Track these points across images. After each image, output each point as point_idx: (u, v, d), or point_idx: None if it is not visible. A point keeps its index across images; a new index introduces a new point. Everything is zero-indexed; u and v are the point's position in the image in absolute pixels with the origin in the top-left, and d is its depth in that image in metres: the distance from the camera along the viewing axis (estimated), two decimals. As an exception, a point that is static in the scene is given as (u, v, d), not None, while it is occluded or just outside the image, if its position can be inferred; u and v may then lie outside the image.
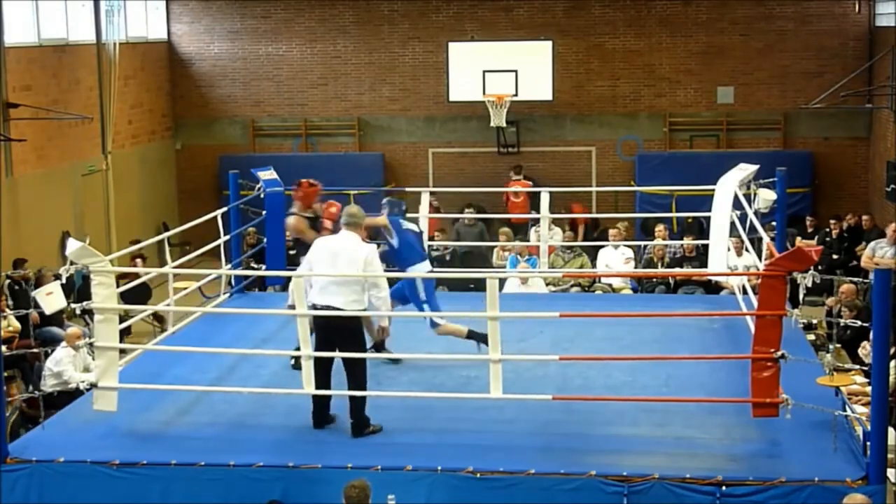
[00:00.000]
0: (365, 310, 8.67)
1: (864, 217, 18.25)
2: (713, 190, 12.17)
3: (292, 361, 9.54)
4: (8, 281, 14.02)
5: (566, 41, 20.66)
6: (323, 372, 8.54)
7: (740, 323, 10.52)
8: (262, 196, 12.58)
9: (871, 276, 7.64)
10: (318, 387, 8.45)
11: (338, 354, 8.58)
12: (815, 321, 12.43)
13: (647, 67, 20.89)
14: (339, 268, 8.61)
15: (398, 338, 10.08)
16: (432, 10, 21.10)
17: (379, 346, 9.90)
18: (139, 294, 12.78)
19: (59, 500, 8.08)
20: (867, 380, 8.95)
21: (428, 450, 8.19)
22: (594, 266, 15.17)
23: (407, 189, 18.31)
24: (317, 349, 8.52)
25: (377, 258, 8.82)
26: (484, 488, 7.80)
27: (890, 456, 7.86)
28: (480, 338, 9.45)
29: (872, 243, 15.65)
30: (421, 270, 10.00)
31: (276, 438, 8.53)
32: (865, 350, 10.12)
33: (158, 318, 13.97)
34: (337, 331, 8.55)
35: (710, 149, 20.69)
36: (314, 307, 8.56)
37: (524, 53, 19.80)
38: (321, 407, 8.66)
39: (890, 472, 7.89)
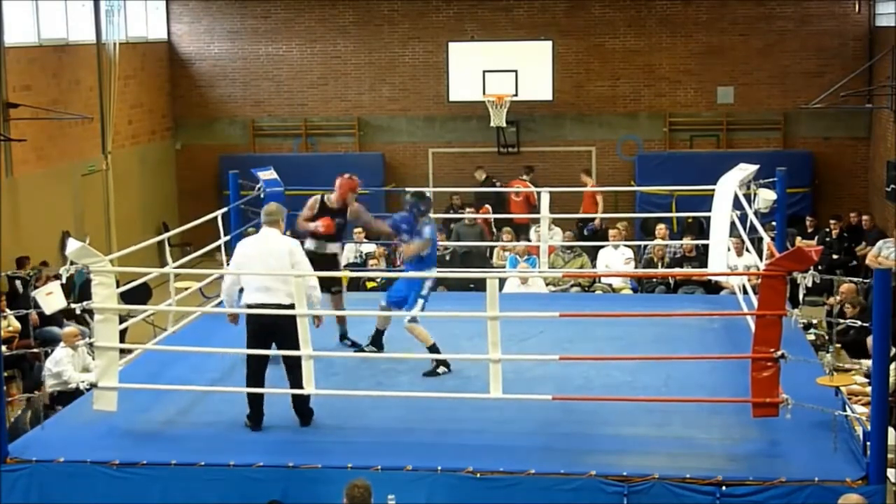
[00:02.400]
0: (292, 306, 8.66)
1: (864, 217, 18.26)
2: (713, 190, 12.17)
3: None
4: (17, 281, 14.00)
5: (566, 41, 20.67)
6: (260, 371, 8.66)
7: (740, 323, 10.52)
8: (262, 196, 12.58)
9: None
10: (253, 385, 8.60)
11: (340, 354, 8.59)
12: (815, 321, 12.42)
13: (647, 67, 20.90)
14: (269, 264, 8.74)
15: (399, 339, 10.09)
16: (432, 10, 21.11)
17: (343, 337, 10.32)
18: (139, 294, 12.76)
19: (59, 500, 8.08)
20: (867, 380, 8.95)
21: (428, 450, 8.18)
22: (594, 266, 15.17)
23: (407, 189, 18.32)
24: (250, 347, 8.67)
25: (300, 249, 9.00)
26: (484, 488, 7.80)
27: (890, 456, 7.86)
28: (440, 361, 9.69)
29: (880, 242, 15.68)
30: (433, 272, 10.12)
31: (276, 438, 8.53)
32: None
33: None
34: (275, 327, 8.61)
35: (710, 149, 20.70)
36: (249, 307, 8.71)
37: (524, 53, 19.81)
38: (259, 405, 8.69)
39: (890, 472, 7.89)
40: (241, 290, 9.09)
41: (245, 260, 8.96)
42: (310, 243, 10.30)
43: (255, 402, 8.67)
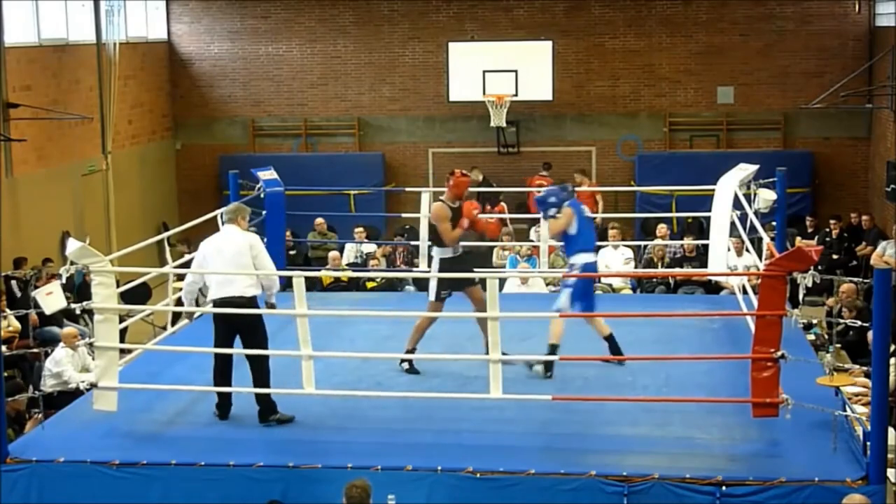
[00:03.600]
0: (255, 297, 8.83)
1: (864, 217, 18.27)
2: (713, 190, 12.16)
3: (405, 365, 9.75)
4: (14, 281, 14.00)
5: (566, 41, 20.67)
6: (225, 365, 8.81)
7: (740, 323, 10.51)
8: (262, 196, 12.59)
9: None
10: (221, 381, 8.74)
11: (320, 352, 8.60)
12: (815, 321, 12.42)
13: (647, 67, 20.90)
14: (229, 259, 8.87)
15: (399, 338, 10.08)
16: (432, 10, 21.11)
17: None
18: (138, 294, 12.77)
19: (59, 500, 8.08)
20: (867, 379, 8.95)
21: (428, 450, 8.19)
22: (594, 266, 15.14)
23: (407, 189, 18.35)
24: (217, 344, 8.81)
25: (259, 242, 9.04)
26: (484, 488, 7.80)
27: (890, 456, 7.86)
28: (548, 365, 9.53)
29: (884, 243, 15.68)
30: (591, 259, 9.96)
31: (276, 438, 8.53)
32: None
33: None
34: (239, 320, 8.72)
35: (710, 149, 20.70)
36: (215, 303, 8.86)
37: (524, 53, 19.81)
38: (227, 399, 8.85)
39: (890, 472, 7.89)
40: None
41: (203, 258, 9.10)
42: (443, 251, 9.87)
43: (224, 396, 8.84)
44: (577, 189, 18.66)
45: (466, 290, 9.86)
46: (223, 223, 9.27)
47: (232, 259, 8.87)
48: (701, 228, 16.30)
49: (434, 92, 20.95)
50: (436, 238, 9.93)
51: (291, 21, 21.40)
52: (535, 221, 15.87)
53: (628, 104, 21.07)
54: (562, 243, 10.32)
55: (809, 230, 18.50)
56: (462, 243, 10.24)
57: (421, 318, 9.88)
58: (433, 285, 9.81)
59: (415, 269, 14.33)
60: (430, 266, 10.28)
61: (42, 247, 15.96)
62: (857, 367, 10.10)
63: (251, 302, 8.80)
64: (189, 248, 13.73)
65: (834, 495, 7.25)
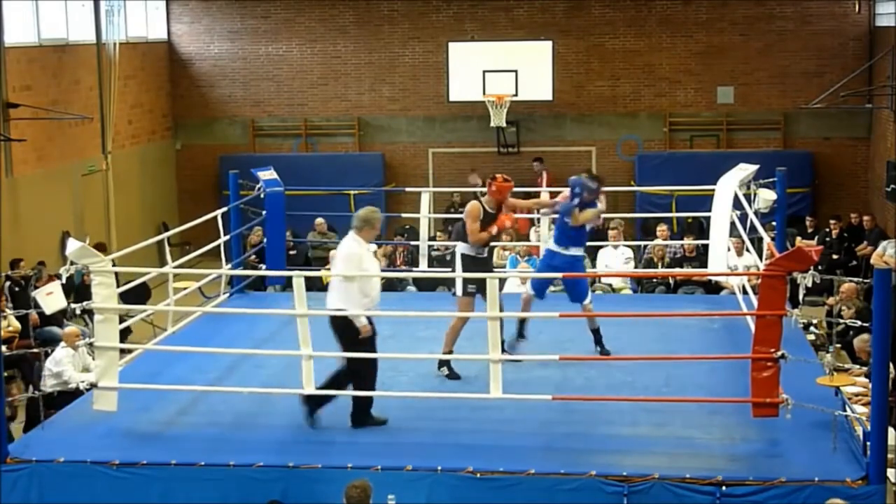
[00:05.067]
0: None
1: (865, 217, 18.27)
2: (713, 190, 12.16)
3: (444, 370, 9.72)
4: (8, 283, 14.00)
5: (566, 41, 20.66)
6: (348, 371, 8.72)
7: (740, 323, 10.51)
8: (262, 196, 12.59)
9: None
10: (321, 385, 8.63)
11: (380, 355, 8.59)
12: (815, 321, 12.43)
13: (647, 67, 20.89)
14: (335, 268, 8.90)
15: (399, 337, 10.08)
16: (432, 10, 21.10)
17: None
18: (138, 294, 12.77)
19: (59, 500, 8.08)
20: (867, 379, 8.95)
21: (428, 450, 8.19)
22: (594, 266, 15.15)
23: (407, 189, 18.35)
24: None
25: (343, 253, 8.91)
26: (484, 488, 7.81)
27: (890, 456, 7.86)
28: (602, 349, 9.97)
29: (884, 242, 15.67)
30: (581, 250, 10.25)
31: (276, 438, 8.54)
32: (864, 340, 10.00)
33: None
34: (333, 330, 8.73)
35: (710, 149, 20.69)
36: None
37: (524, 53, 19.80)
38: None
39: (890, 472, 7.89)
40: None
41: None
42: (468, 248, 9.86)
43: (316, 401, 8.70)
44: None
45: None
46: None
47: (334, 268, 8.94)
48: (701, 228, 16.29)
49: (434, 92, 20.94)
50: (463, 234, 9.91)
51: (291, 21, 21.39)
52: (535, 222, 15.87)
53: (628, 104, 21.06)
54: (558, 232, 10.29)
55: (809, 230, 18.50)
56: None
57: (455, 319, 9.76)
58: (459, 281, 9.75)
59: (415, 269, 14.33)
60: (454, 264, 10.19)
61: (42, 247, 15.96)
62: (857, 367, 10.10)
63: (335, 315, 8.70)
64: (190, 248, 13.73)
65: (834, 495, 7.25)
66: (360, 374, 8.69)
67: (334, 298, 8.73)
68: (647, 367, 9.64)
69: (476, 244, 9.80)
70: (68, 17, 17.92)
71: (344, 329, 8.67)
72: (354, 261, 8.78)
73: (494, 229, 9.82)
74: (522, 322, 10.08)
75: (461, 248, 9.88)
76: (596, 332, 10.13)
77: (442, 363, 9.70)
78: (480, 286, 9.44)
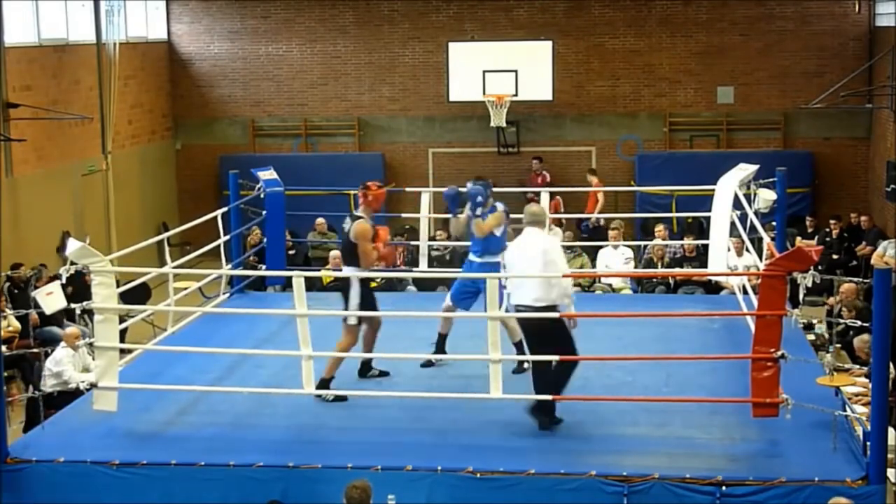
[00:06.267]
0: (554, 307, 8.54)
1: (864, 217, 18.27)
2: (713, 190, 12.17)
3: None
4: (7, 284, 14.00)
5: (566, 41, 20.66)
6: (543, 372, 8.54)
7: (740, 323, 10.51)
8: (262, 196, 12.59)
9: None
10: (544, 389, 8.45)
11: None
12: (815, 321, 12.43)
13: (647, 67, 20.89)
14: (524, 264, 8.67)
15: (400, 337, 10.08)
16: (432, 10, 21.10)
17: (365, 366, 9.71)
18: (138, 294, 12.77)
19: (59, 500, 8.08)
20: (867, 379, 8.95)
21: (428, 450, 8.19)
22: (594, 266, 15.16)
23: (407, 189, 18.34)
24: (531, 351, 8.62)
25: (554, 248, 8.79)
26: (484, 488, 7.81)
27: (890, 456, 7.86)
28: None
29: (885, 242, 15.66)
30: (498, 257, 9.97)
31: (276, 438, 8.53)
32: (864, 341, 9.98)
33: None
34: (526, 329, 8.64)
35: (710, 149, 20.69)
36: (516, 308, 8.65)
37: (524, 53, 19.80)
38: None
39: (890, 472, 7.89)
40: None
41: (510, 257, 8.95)
42: (363, 271, 9.33)
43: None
44: (587, 189, 18.86)
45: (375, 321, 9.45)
46: (525, 224, 8.90)
47: (526, 264, 8.67)
48: (701, 228, 16.29)
49: (434, 92, 20.94)
50: (352, 258, 9.31)
51: (291, 21, 21.40)
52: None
53: (628, 104, 21.06)
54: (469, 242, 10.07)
55: (809, 230, 18.50)
56: (463, 243, 10.21)
57: (344, 342, 9.31)
58: (356, 306, 9.17)
59: (415, 269, 14.32)
60: (346, 298, 9.32)
61: (42, 247, 15.97)
62: (857, 367, 10.10)
63: (537, 311, 8.53)
64: (190, 248, 13.72)
65: (835, 495, 7.24)
66: (569, 369, 8.57)
67: (541, 294, 8.50)
68: (647, 367, 9.64)
69: (372, 265, 9.37)
70: (68, 17, 17.91)
71: (553, 327, 8.50)
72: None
73: (381, 245, 9.38)
74: (443, 337, 9.90)
75: (355, 272, 9.20)
76: (518, 345, 9.76)
77: (324, 385, 9.16)
78: (368, 316, 9.17)
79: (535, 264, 8.61)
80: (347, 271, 9.36)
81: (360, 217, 9.40)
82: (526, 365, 9.36)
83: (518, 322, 8.86)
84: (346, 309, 9.25)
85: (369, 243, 9.26)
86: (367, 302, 9.32)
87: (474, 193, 9.81)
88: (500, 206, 9.99)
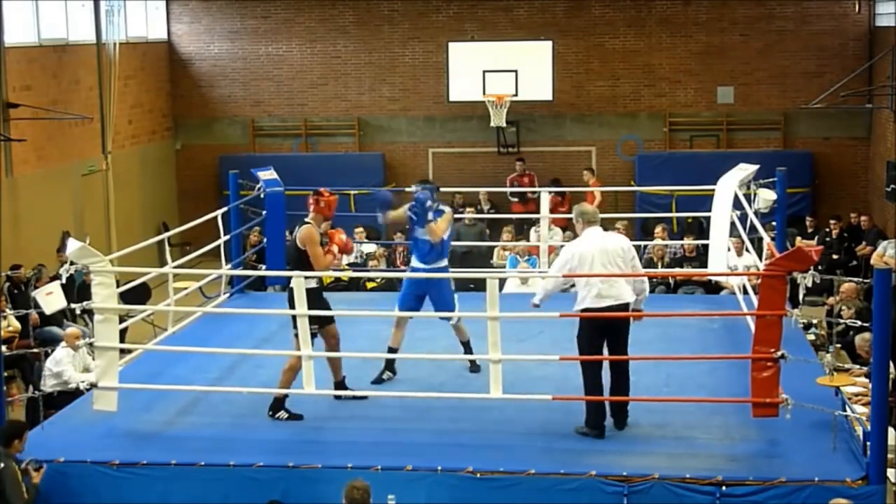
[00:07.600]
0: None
1: (864, 217, 18.27)
2: (713, 190, 12.17)
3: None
4: (7, 284, 14.00)
5: (566, 41, 20.66)
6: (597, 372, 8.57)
7: (740, 323, 10.52)
8: (262, 196, 12.59)
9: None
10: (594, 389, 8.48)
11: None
12: (815, 321, 12.43)
13: (647, 67, 20.89)
14: (610, 261, 8.75)
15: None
16: (432, 10, 21.10)
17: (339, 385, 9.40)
18: (138, 294, 12.78)
19: (59, 500, 8.08)
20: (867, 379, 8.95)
21: (428, 450, 8.20)
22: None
23: (407, 189, 18.33)
24: (593, 351, 8.59)
25: (627, 244, 8.87)
26: (484, 488, 7.81)
27: (890, 456, 7.87)
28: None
29: (885, 242, 15.66)
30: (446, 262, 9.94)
31: (276, 438, 8.54)
32: (864, 339, 9.98)
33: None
34: (608, 327, 8.62)
35: (710, 149, 20.68)
36: (590, 309, 8.63)
37: (524, 53, 19.79)
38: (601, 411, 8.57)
39: (890, 472, 7.89)
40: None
41: (578, 262, 8.81)
42: (310, 281, 8.89)
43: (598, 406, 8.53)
44: (585, 188, 18.86)
45: (326, 328, 9.09)
46: (585, 224, 8.89)
47: (619, 263, 8.72)
48: (701, 228, 16.29)
49: (434, 92, 20.94)
50: (300, 265, 8.94)
51: (291, 21, 21.39)
52: (535, 222, 15.88)
53: (628, 104, 21.06)
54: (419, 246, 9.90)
55: (809, 230, 18.49)
56: (463, 243, 10.20)
57: (293, 358, 8.83)
58: (305, 319, 8.62)
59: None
60: (290, 302, 8.80)
61: (42, 247, 15.96)
62: (857, 367, 10.10)
63: (625, 307, 8.62)
64: (190, 248, 13.72)
65: (834, 495, 7.25)
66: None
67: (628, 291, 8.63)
68: (647, 367, 9.63)
69: (322, 270, 9.07)
70: (68, 17, 17.91)
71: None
72: None
73: (335, 248, 9.19)
74: (393, 351, 9.72)
75: (302, 283, 8.61)
76: (466, 345, 9.83)
77: (278, 406, 8.92)
78: (322, 325, 8.92)
79: (620, 262, 8.70)
80: (299, 283, 8.66)
81: (307, 223, 9.21)
82: (479, 363, 9.48)
83: (609, 322, 8.67)
84: (294, 319, 8.73)
85: (319, 247, 9.02)
86: (318, 309, 8.90)
87: (423, 198, 9.71)
88: (447, 209, 9.96)
